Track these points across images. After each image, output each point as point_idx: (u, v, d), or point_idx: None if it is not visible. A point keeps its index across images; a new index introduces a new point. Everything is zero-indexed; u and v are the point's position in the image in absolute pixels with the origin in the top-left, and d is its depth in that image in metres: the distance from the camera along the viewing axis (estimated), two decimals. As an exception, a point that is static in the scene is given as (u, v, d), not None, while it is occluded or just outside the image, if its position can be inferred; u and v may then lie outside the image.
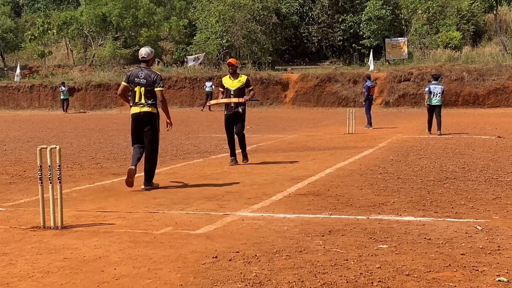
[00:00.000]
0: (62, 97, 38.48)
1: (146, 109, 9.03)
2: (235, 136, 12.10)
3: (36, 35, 46.61)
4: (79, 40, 49.90)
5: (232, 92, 11.90)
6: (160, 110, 9.19)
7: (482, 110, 31.39)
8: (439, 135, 17.80)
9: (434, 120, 18.20)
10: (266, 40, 42.54)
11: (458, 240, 5.83)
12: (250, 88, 12.23)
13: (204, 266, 5.05)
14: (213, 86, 35.86)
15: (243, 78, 12.07)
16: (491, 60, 35.57)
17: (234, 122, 12.04)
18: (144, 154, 9.27)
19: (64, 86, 38.55)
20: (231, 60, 12.21)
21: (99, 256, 5.41)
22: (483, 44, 40.22)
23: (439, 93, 18.57)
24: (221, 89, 12.24)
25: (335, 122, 24.20)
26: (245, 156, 12.18)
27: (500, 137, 16.74)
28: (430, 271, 4.87)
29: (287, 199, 8.20)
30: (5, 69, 48.52)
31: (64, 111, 38.20)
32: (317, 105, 35.07)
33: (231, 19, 41.97)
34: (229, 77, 12.09)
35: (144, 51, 9.20)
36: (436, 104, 18.35)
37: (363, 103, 22.53)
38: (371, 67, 36.66)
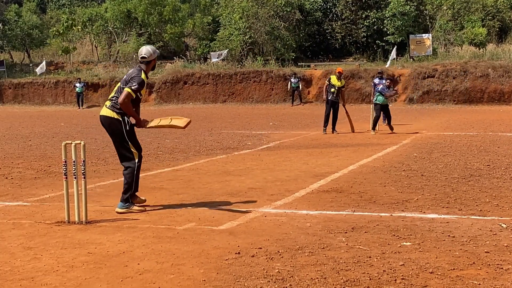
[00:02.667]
0: (77, 90, 38.92)
1: (103, 111, 7.38)
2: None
3: (61, 32, 46.97)
4: (104, 36, 50.18)
5: (336, 88, 18.21)
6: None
7: (507, 107, 31.04)
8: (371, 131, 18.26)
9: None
10: (289, 37, 42.44)
11: (482, 238, 5.79)
12: (344, 89, 18.80)
13: (227, 262, 5.07)
14: (299, 82, 35.76)
15: (343, 82, 18.53)
16: (517, 56, 35.16)
17: (334, 106, 18.33)
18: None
19: (79, 83, 38.97)
20: (340, 69, 18.59)
21: (122, 251, 5.45)
22: (508, 41, 39.74)
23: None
24: (327, 83, 18.43)
25: (359, 118, 24.08)
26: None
27: None
28: (454, 269, 4.84)
29: (310, 195, 8.19)
30: (31, 65, 48.93)
31: (79, 106, 38.64)
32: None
33: (254, 16, 41.92)
34: (336, 78, 18.21)
35: (145, 50, 7.39)
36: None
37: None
38: (388, 64, 36.28)
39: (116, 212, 7.18)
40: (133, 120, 7.41)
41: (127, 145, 7.31)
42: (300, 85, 35.77)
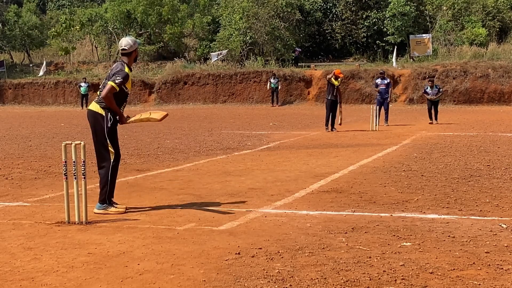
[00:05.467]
0: (82, 91, 38.98)
1: (90, 106, 7.37)
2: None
3: (59, 32, 46.99)
4: (104, 36, 50.21)
5: (335, 87, 18.76)
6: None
7: (507, 108, 31.06)
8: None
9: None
10: (290, 37, 42.46)
11: (482, 238, 5.79)
12: (339, 86, 19.12)
13: (227, 262, 5.06)
14: (279, 83, 35.84)
15: (339, 80, 18.93)
16: (517, 57, 35.18)
17: (334, 104, 18.87)
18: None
19: (84, 83, 39.03)
20: (339, 72, 18.94)
21: (123, 252, 5.45)
22: (509, 41, 39.75)
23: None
24: (328, 82, 18.86)
25: (359, 119, 24.10)
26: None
27: None
28: (454, 269, 4.84)
29: (310, 196, 8.19)
30: (31, 65, 48.97)
31: (82, 107, 38.60)
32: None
33: (254, 16, 41.91)
34: (333, 79, 18.69)
35: (124, 42, 7.31)
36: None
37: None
38: (394, 64, 36.45)
39: (94, 212, 7.10)
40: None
41: (105, 142, 7.21)
42: (280, 86, 35.87)
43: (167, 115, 7.47)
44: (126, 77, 7.14)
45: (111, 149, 7.24)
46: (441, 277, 4.63)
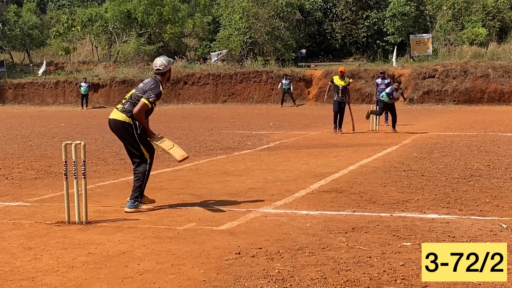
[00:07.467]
0: (82, 91, 38.88)
1: (114, 115, 7.32)
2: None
3: (61, 32, 46.99)
4: (104, 36, 50.18)
5: (340, 88, 17.91)
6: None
7: (507, 107, 31.05)
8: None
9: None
10: (290, 37, 42.45)
11: (482, 238, 5.79)
12: (349, 87, 18.35)
13: (227, 262, 5.07)
14: (291, 84, 35.55)
15: (347, 80, 18.22)
16: (517, 56, 35.16)
17: (340, 105, 18.08)
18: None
19: (85, 82, 38.95)
20: (342, 69, 18.55)
21: (123, 251, 5.45)
22: (509, 41, 39.74)
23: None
24: (331, 84, 18.37)
25: (359, 119, 24.09)
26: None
27: None
28: (454, 269, 4.83)
29: (310, 196, 8.19)
30: (31, 65, 48.94)
31: (82, 107, 38.54)
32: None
33: (254, 16, 41.91)
34: (339, 78, 18.05)
35: (159, 62, 7.42)
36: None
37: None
38: (394, 64, 36.45)
39: (125, 211, 7.20)
40: None
41: (139, 148, 7.33)
42: (292, 87, 35.61)
43: (187, 157, 7.60)
44: (159, 96, 7.26)
45: (145, 152, 7.37)
46: (441, 277, 4.63)
